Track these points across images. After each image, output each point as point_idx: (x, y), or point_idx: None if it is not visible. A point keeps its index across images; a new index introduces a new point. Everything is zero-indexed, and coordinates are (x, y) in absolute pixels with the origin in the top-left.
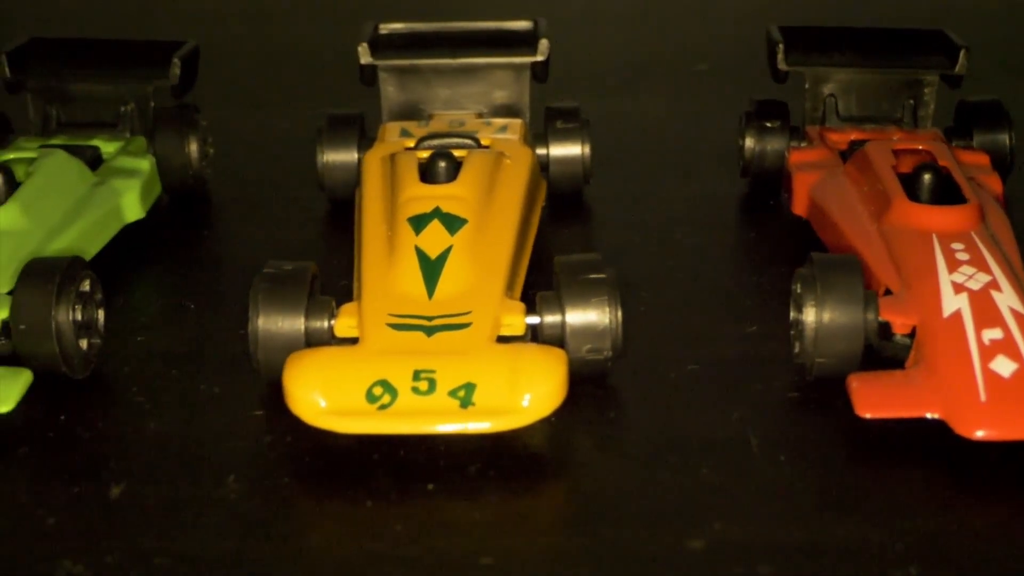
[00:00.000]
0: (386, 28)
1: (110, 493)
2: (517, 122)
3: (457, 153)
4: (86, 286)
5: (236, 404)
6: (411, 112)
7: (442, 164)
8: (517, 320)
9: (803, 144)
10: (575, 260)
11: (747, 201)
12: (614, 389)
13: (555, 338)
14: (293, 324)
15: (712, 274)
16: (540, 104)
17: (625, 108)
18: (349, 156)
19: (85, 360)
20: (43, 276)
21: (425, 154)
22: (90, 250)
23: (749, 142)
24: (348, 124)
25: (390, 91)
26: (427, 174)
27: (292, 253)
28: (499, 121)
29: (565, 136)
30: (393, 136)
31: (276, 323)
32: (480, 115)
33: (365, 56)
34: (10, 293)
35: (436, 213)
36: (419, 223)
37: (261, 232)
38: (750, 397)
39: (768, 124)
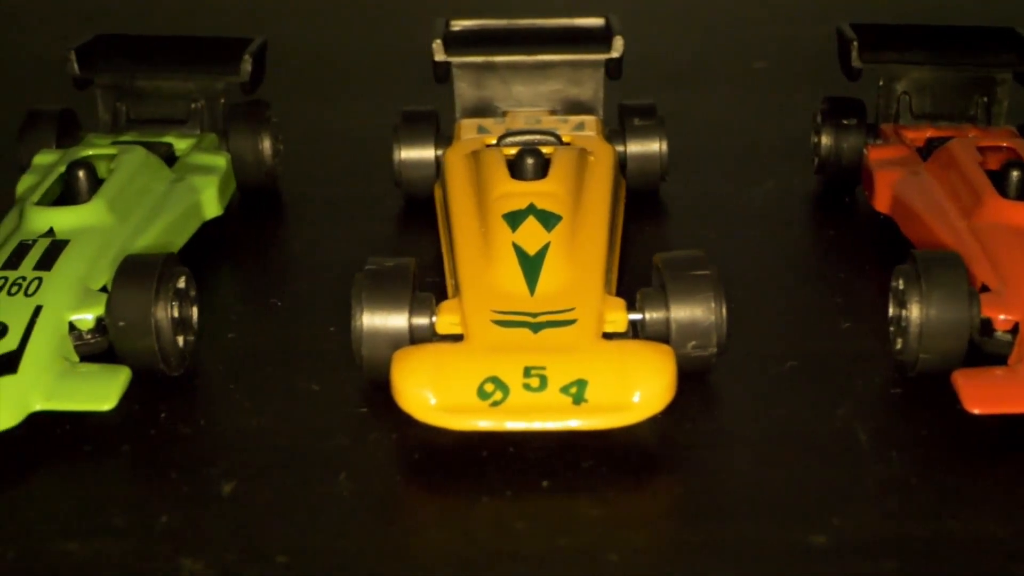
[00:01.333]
0: (457, 24)
1: (222, 491)
2: (593, 119)
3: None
4: (182, 283)
5: (336, 401)
6: (484, 109)
7: (530, 161)
8: (620, 316)
9: (878, 141)
10: (678, 256)
11: (821, 198)
12: (715, 386)
13: (658, 334)
14: (398, 321)
15: (797, 271)
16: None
17: (685, 105)
18: (426, 153)
19: (181, 357)
20: (141, 273)
21: (511, 151)
22: (174, 247)
23: (825, 139)
24: (424, 121)
25: (464, 88)
26: (515, 171)
27: (369, 250)
28: (575, 118)
29: (643, 133)
30: (470, 133)
31: (380, 320)
32: (553, 112)
33: (439, 53)
34: (102, 290)
35: (531, 209)
36: (514, 219)
37: (335, 229)
38: (853, 393)
39: (845, 122)
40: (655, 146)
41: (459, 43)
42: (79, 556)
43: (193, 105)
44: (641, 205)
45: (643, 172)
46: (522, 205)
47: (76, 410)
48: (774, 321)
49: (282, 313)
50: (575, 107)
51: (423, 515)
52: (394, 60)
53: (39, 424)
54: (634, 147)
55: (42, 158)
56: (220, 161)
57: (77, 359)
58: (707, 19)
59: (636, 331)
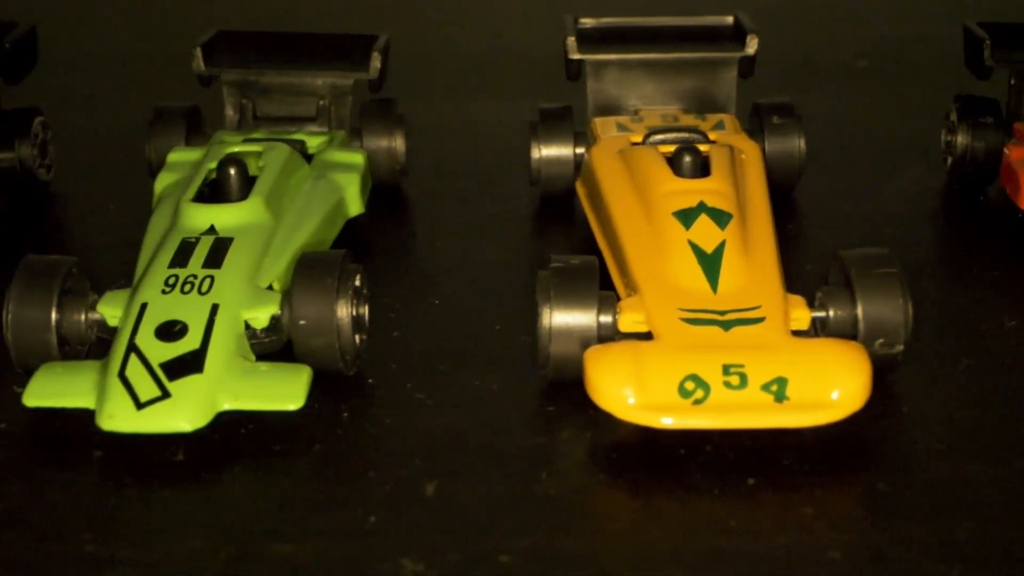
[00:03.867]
0: (587, 22)
1: (425, 491)
2: (731, 117)
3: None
4: (358, 280)
5: (518, 400)
6: (614, 106)
7: (690, 158)
8: (803, 314)
9: (1012, 140)
10: (864, 254)
11: (954, 196)
12: (896, 384)
13: (842, 332)
14: (586, 319)
15: (948, 269)
16: None
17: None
18: (565, 151)
19: (356, 356)
20: (322, 270)
21: (667, 149)
22: (325, 246)
23: (961, 139)
24: (562, 118)
25: (596, 85)
26: (674, 169)
27: (508, 248)
28: (713, 116)
29: (782, 131)
30: (610, 131)
31: (569, 318)
32: (685, 110)
33: (574, 51)
34: (268, 287)
35: (702, 207)
36: (686, 217)
37: (470, 227)
38: None
39: (983, 121)
40: (794, 144)
41: (591, 41)
42: (296, 558)
43: (320, 102)
44: (776, 203)
45: (782, 170)
46: (692, 203)
47: (263, 410)
48: (939, 319)
49: (441, 312)
50: (706, 105)
51: (635, 513)
52: (505, 56)
53: (220, 424)
54: (772, 145)
55: (177, 155)
56: (358, 158)
57: (253, 358)
58: (805, 19)
59: (816, 328)
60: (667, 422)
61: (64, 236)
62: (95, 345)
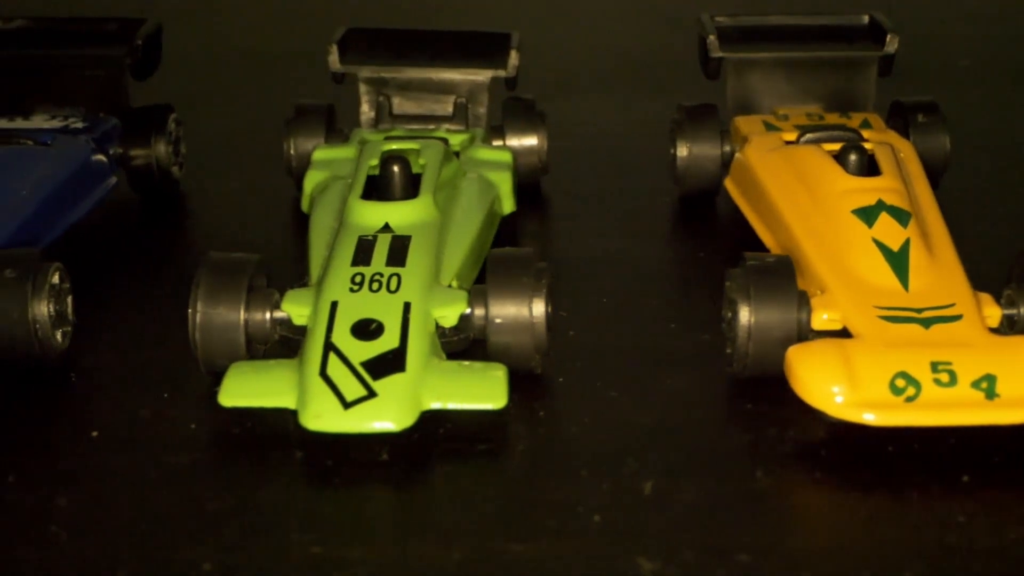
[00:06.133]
0: (722, 20)
1: (643, 489)
2: (874, 116)
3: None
4: (549, 278)
5: (713, 397)
6: (753, 105)
7: (856, 157)
8: (994, 311)
9: None
10: None
11: None
12: None
13: None
14: (787, 317)
15: None
16: None
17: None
18: (712, 149)
19: (544, 354)
20: (518, 268)
21: (832, 147)
22: (487, 245)
23: None
24: (707, 116)
25: (737, 84)
26: (842, 167)
27: (657, 245)
28: (857, 115)
29: (928, 130)
30: (757, 130)
31: (771, 316)
32: (826, 109)
33: (716, 49)
34: (448, 286)
35: (881, 206)
36: (867, 216)
37: (611, 224)
38: None
39: None
40: (940, 143)
41: (729, 39)
42: (530, 557)
43: (458, 99)
44: None
45: (927, 169)
46: (871, 201)
47: (465, 409)
48: None
49: (611, 310)
50: (843, 104)
51: (861, 510)
52: (612, 54)
53: (418, 424)
54: (918, 143)
55: (323, 153)
56: (507, 156)
57: (445, 356)
58: (898, 18)
59: (1004, 326)
60: (870, 418)
61: (208, 234)
62: (275, 344)
